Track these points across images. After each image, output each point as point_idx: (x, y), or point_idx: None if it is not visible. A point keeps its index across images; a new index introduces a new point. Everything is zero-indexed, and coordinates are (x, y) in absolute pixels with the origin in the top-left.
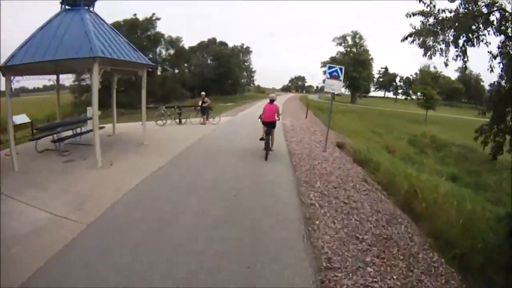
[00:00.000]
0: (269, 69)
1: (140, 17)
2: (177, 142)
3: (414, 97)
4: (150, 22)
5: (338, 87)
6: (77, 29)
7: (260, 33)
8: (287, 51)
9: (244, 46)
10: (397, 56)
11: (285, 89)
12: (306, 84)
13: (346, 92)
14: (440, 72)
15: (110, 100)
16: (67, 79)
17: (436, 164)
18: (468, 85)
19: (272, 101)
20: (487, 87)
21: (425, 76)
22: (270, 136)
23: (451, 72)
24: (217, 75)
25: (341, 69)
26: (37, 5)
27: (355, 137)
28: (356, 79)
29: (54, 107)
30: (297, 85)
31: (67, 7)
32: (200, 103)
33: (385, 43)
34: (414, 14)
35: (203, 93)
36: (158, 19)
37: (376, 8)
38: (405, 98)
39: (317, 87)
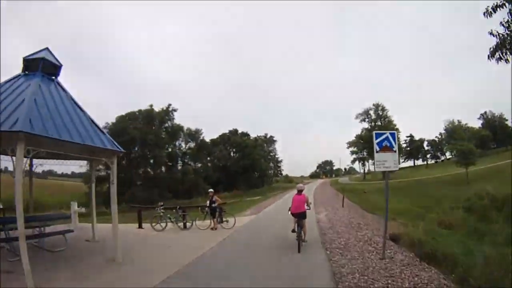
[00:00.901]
0: (295, 158)
1: (156, 108)
2: (167, 259)
3: (443, 158)
4: (167, 113)
5: (393, 161)
6: (17, 97)
7: (282, 123)
8: (312, 137)
9: (268, 136)
10: (413, 122)
11: (314, 175)
12: (334, 168)
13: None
14: (466, 124)
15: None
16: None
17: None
18: (493, 129)
19: (300, 191)
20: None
21: (459, 131)
22: (302, 228)
23: (473, 121)
24: (241, 167)
25: (393, 134)
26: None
27: (403, 219)
28: None
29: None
30: (325, 170)
31: (26, 72)
32: (208, 202)
33: (398, 110)
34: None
35: (210, 190)
36: (175, 110)
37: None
38: (435, 162)
39: (345, 169)
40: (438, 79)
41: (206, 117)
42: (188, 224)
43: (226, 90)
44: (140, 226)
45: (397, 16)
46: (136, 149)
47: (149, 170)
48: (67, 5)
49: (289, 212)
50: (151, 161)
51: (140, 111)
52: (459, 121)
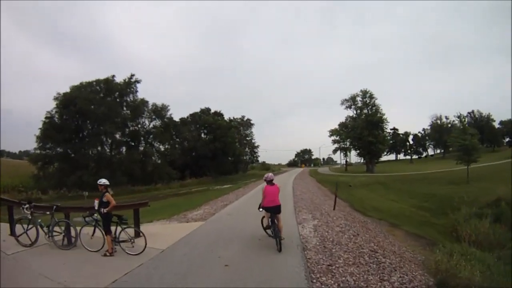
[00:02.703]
0: (273, 145)
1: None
2: None
3: (425, 154)
4: (128, 84)
5: None
6: None
7: (262, 109)
8: (292, 125)
9: (245, 119)
10: (398, 115)
11: (292, 164)
12: (313, 157)
13: (360, 160)
14: (453, 121)
15: None
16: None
17: None
18: (481, 129)
19: (270, 181)
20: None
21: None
22: (277, 224)
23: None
24: (212, 151)
25: None
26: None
27: (408, 226)
28: (373, 144)
29: None
30: (304, 159)
31: None
32: (95, 204)
33: (383, 102)
34: None
35: (102, 180)
36: (138, 81)
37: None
38: (419, 157)
39: (323, 159)
40: (425, 73)
41: (181, 101)
42: (75, 236)
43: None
44: (12, 233)
45: (388, 8)
46: (89, 124)
47: (106, 150)
48: None
49: (260, 209)
50: (108, 140)
51: (98, 80)
52: (446, 117)
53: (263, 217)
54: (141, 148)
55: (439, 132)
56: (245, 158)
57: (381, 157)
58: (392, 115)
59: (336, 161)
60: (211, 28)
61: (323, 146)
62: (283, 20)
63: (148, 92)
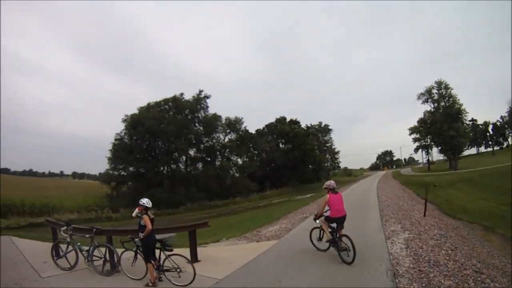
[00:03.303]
0: (353, 149)
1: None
2: None
3: (505, 144)
4: (198, 101)
5: None
6: None
7: (336, 114)
8: (370, 127)
9: (322, 125)
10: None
11: (374, 167)
12: (395, 159)
13: (442, 157)
14: None
15: None
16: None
17: None
18: None
19: (333, 189)
20: None
21: None
22: (343, 236)
23: None
24: (291, 160)
25: None
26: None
27: (502, 231)
28: (455, 138)
29: None
30: (385, 161)
31: None
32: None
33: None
34: None
35: (143, 200)
36: (207, 97)
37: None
38: (500, 148)
39: (404, 159)
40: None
41: (254, 114)
42: (122, 259)
43: (273, 86)
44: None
45: None
46: (160, 143)
47: (180, 167)
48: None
49: (316, 220)
50: (182, 157)
51: (166, 99)
52: None
53: (314, 228)
54: (218, 163)
55: None
56: (326, 165)
57: (462, 151)
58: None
59: (417, 161)
60: (271, 42)
61: (403, 146)
62: (339, 26)
63: (220, 108)
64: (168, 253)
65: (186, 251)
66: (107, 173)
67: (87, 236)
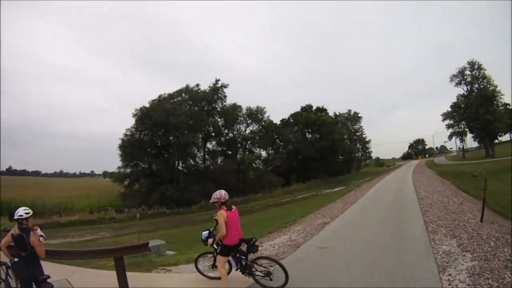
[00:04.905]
0: (384, 138)
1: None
2: None
3: None
4: (215, 91)
5: None
6: None
7: (368, 102)
8: (401, 115)
9: (351, 113)
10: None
11: (406, 157)
12: (427, 147)
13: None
14: None
15: None
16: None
17: None
18: None
19: (225, 203)
20: None
21: None
22: (258, 259)
23: None
24: (319, 151)
25: None
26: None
27: None
28: (492, 123)
29: None
30: (417, 150)
31: None
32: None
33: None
34: None
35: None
36: (224, 86)
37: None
38: None
39: (436, 147)
40: None
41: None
42: None
43: (306, 77)
44: None
45: None
46: (172, 137)
47: (197, 161)
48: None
49: (214, 245)
50: (200, 151)
51: (179, 90)
52: None
53: (199, 256)
54: (239, 156)
55: None
56: (357, 155)
57: (498, 138)
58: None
59: (451, 149)
60: (300, 31)
61: (436, 134)
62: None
63: (240, 99)
64: None
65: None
66: (118, 171)
67: None
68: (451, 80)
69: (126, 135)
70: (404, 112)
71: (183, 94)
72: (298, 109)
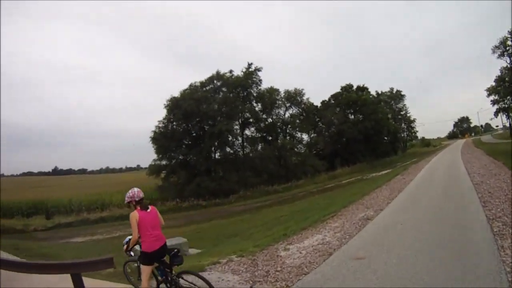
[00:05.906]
0: (427, 117)
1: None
2: None
3: None
4: (248, 75)
5: None
6: None
7: (408, 79)
8: (445, 91)
9: (394, 91)
10: None
11: (452, 136)
12: (472, 125)
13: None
14: None
15: None
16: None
17: None
18: None
19: (139, 202)
20: None
21: None
22: (183, 274)
23: None
24: (362, 132)
25: None
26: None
27: None
28: None
29: None
30: (462, 128)
31: None
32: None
33: None
34: None
35: None
36: (258, 69)
37: None
38: None
39: (481, 125)
40: None
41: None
42: None
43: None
44: None
45: None
46: (205, 126)
47: (236, 149)
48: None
49: (130, 252)
50: (237, 138)
51: (210, 77)
52: None
53: (127, 262)
54: (280, 142)
55: None
56: (402, 135)
57: None
58: None
59: (497, 126)
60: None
61: (480, 111)
62: None
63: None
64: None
65: None
66: (154, 163)
67: None
68: (493, 51)
69: (158, 127)
70: (444, 88)
71: (215, 81)
72: (338, 89)
